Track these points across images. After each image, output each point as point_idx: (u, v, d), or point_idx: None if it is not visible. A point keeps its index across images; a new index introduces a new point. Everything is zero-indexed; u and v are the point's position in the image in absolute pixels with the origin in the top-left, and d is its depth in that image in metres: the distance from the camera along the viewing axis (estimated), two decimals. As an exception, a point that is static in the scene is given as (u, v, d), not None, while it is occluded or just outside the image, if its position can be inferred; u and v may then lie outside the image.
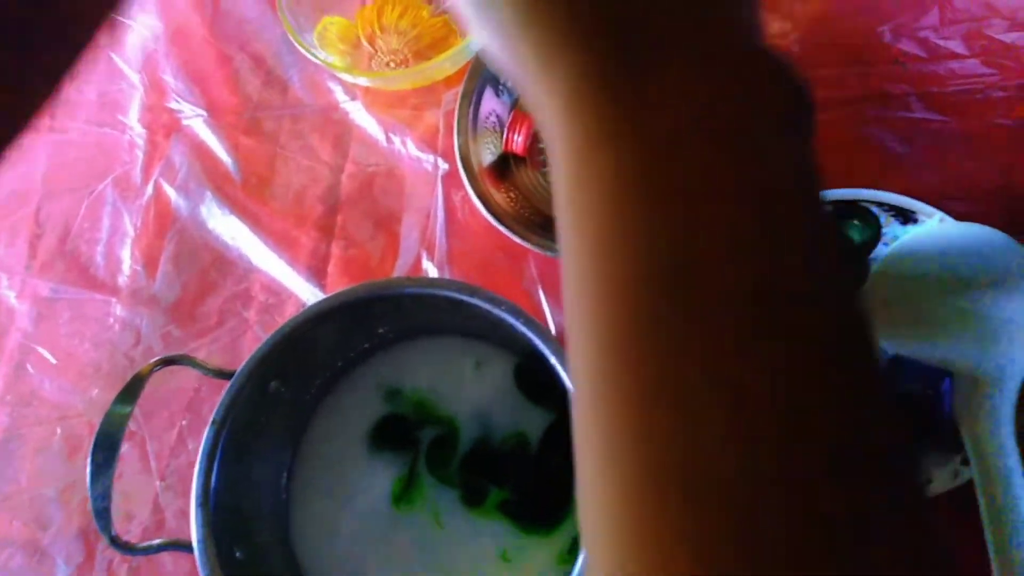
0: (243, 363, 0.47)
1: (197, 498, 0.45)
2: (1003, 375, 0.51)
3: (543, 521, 0.53)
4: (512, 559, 0.52)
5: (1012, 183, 0.58)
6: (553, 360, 0.45)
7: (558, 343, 0.45)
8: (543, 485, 0.54)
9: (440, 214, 0.62)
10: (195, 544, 0.43)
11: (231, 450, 0.46)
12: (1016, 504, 0.45)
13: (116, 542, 0.44)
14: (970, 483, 0.46)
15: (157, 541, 0.45)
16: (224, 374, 0.48)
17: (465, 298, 0.48)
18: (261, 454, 0.51)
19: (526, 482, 0.54)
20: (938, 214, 0.56)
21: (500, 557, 0.52)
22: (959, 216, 0.55)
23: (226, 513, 0.46)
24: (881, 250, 0.55)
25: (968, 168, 0.59)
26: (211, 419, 0.46)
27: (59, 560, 0.57)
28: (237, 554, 0.45)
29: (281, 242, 0.63)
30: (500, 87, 0.64)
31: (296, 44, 0.60)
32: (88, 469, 0.44)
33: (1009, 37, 0.62)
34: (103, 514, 0.44)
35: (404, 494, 0.53)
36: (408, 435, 0.54)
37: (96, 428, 0.56)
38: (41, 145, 0.70)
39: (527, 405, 0.55)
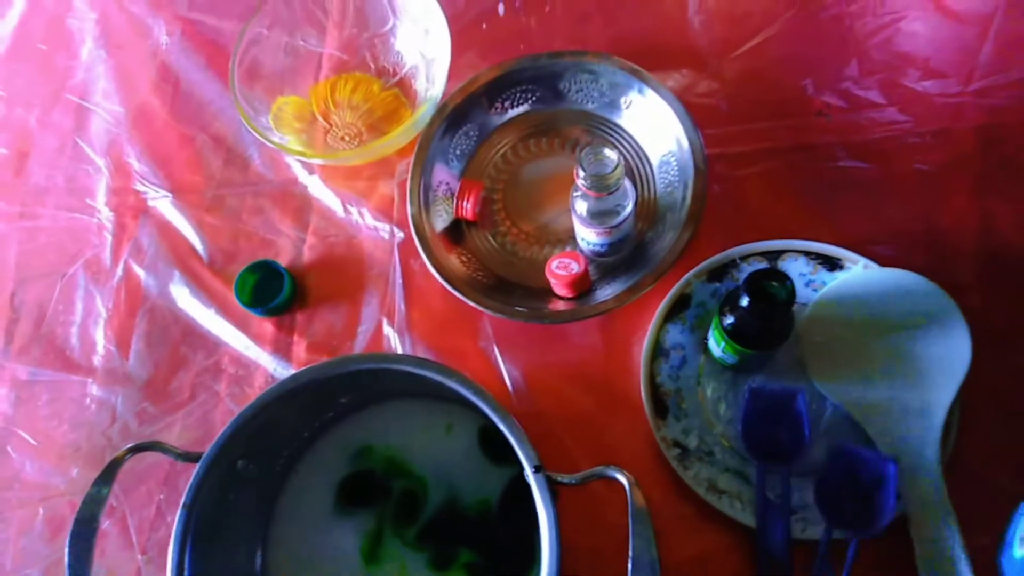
0: (209, 446, 0.50)
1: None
2: (931, 407, 0.54)
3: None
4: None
5: (932, 227, 0.62)
6: (502, 426, 0.48)
7: (506, 412, 0.48)
8: (506, 549, 0.56)
9: (398, 280, 0.66)
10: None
11: (204, 530, 0.49)
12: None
13: (98, 625, 0.46)
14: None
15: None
16: (191, 457, 0.50)
17: (417, 371, 0.51)
18: (234, 531, 0.53)
19: (491, 546, 0.57)
20: (862, 261, 0.60)
21: (466, 611, 0.55)
22: (885, 260, 0.59)
23: None
24: (811, 295, 0.59)
25: (891, 213, 0.63)
26: (181, 503, 0.49)
27: (47, 638, 0.59)
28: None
29: (247, 317, 0.66)
30: (450, 156, 0.67)
31: (251, 130, 0.63)
32: (67, 555, 0.47)
33: (922, 86, 0.66)
34: (84, 599, 0.46)
35: (373, 553, 0.56)
36: (376, 488, 0.57)
37: (76, 508, 0.59)
38: (12, 232, 0.73)
39: (490, 468, 0.58)
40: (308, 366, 0.52)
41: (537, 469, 0.46)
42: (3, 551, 0.62)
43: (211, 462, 0.50)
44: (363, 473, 0.58)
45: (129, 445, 0.51)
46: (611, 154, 0.53)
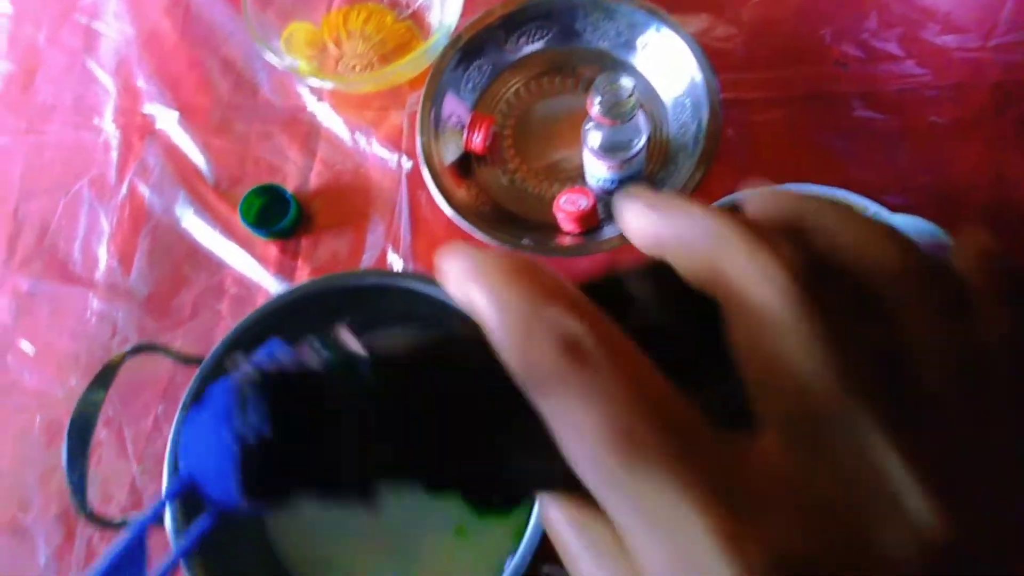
0: (212, 349, 0.50)
1: (169, 477, 0.48)
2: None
3: (501, 507, 0.56)
4: (468, 534, 0.55)
5: (945, 180, 0.62)
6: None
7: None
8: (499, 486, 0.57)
9: (404, 210, 0.65)
10: (167, 516, 0.46)
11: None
12: None
13: (92, 517, 0.46)
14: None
15: (132, 515, 0.48)
16: (193, 360, 0.50)
17: (423, 289, 0.50)
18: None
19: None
20: (874, 207, 0.60)
21: (456, 532, 0.55)
22: (895, 208, 0.59)
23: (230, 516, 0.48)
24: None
25: (905, 165, 0.63)
26: (180, 405, 0.49)
27: (40, 541, 0.59)
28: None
29: (252, 239, 0.66)
30: (462, 88, 0.67)
31: (263, 50, 0.63)
32: (64, 450, 0.47)
33: (941, 40, 0.65)
34: (79, 491, 0.46)
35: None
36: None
37: (74, 416, 0.59)
38: (18, 147, 0.72)
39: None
40: (314, 278, 0.52)
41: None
42: (0, 455, 0.62)
43: (211, 367, 0.49)
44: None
45: (128, 347, 0.51)
46: (627, 82, 0.53)
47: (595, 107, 0.53)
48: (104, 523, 0.47)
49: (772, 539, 0.16)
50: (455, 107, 0.66)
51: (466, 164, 0.66)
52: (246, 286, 0.65)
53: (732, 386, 0.19)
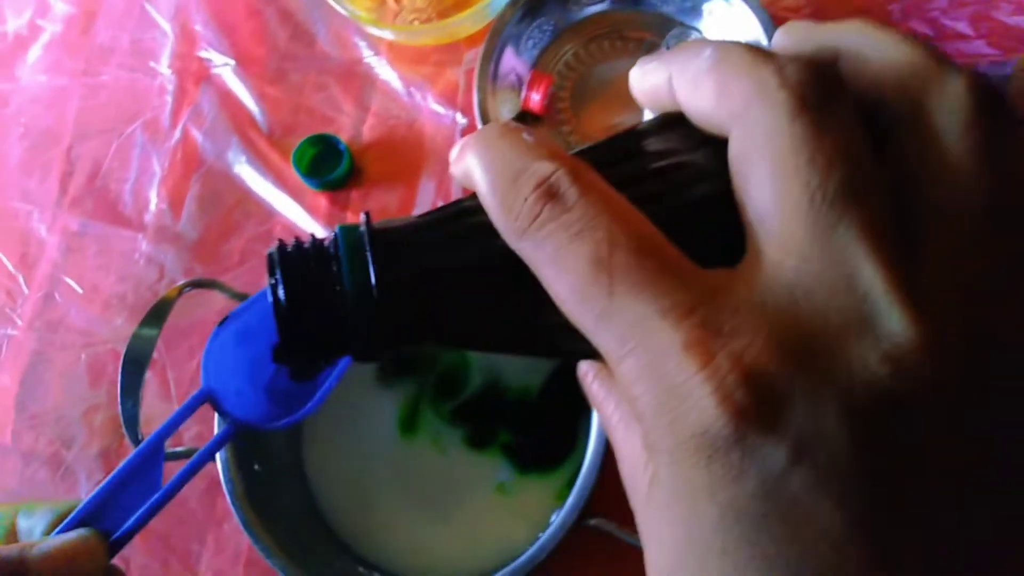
0: (262, 289, 0.50)
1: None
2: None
3: (543, 465, 0.56)
4: (510, 492, 0.55)
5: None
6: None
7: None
8: (544, 432, 0.56)
9: (457, 167, 0.65)
10: (218, 454, 0.46)
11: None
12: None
13: (142, 447, 0.46)
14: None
15: (182, 448, 0.48)
16: (247, 298, 0.50)
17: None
18: (279, 380, 0.53)
19: (529, 429, 0.56)
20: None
21: (498, 490, 0.55)
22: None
23: (246, 430, 0.48)
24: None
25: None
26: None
27: (81, 476, 0.60)
28: (256, 466, 0.47)
29: (302, 189, 0.65)
30: (521, 46, 0.66)
31: (326, -4, 0.62)
32: (119, 379, 0.47)
33: (1013, 20, 0.64)
34: (132, 421, 0.46)
35: (410, 422, 0.56)
36: (421, 359, 0.57)
37: (120, 355, 0.59)
38: (74, 88, 0.72)
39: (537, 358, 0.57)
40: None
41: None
42: (45, 390, 0.63)
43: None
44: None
45: (182, 282, 0.51)
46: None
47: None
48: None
49: (742, 355, 0.17)
50: (514, 65, 0.66)
51: (522, 123, 0.66)
52: (296, 235, 0.64)
53: (725, 231, 0.19)
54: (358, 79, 0.69)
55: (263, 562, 0.55)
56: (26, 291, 0.66)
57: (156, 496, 0.34)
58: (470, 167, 0.21)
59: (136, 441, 0.46)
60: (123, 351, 0.59)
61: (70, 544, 0.32)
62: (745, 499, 0.16)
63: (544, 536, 0.46)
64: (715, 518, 0.17)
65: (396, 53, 0.69)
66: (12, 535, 0.34)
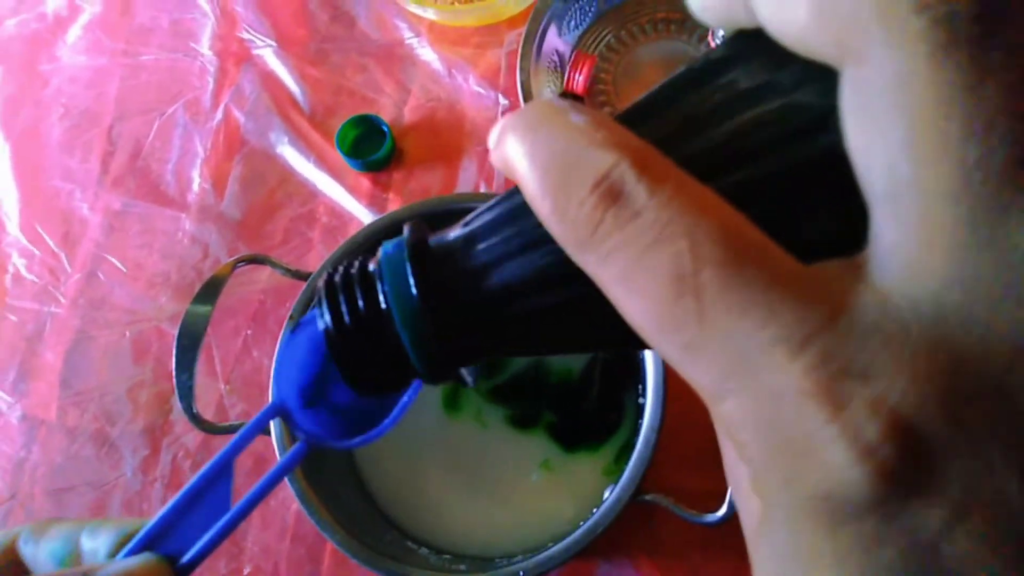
0: (319, 266, 0.50)
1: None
2: None
3: (589, 442, 0.56)
4: (555, 469, 0.55)
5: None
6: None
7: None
8: (589, 411, 0.56)
9: (499, 149, 0.65)
10: (272, 424, 0.46)
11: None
12: None
13: (197, 419, 0.46)
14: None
15: (235, 421, 0.48)
16: (300, 275, 0.50)
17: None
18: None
19: (573, 409, 0.56)
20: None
21: (543, 467, 0.55)
22: None
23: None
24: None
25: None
26: (289, 315, 0.49)
27: (126, 452, 0.60)
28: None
29: (344, 170, 0.66)
30: (563, 27, 0.66)
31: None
32: (175, 354, 0.47)
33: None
34: (187, 394, 0.46)
35: (453, 399, 0.56)
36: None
37: (164, 334, 0.59)
38: (115, 68, 0.73)
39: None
40: (417, 201, 0.52)
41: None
42: (89, 367, 0.63)
43: (317, 280, 0.49)
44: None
45: (234, 257, 0.51)
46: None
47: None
48: (207, 427, 0.47)
49: (883, 401, 0.13)
50: (556, 44, 0.65)
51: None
52: (338, 215, 0.64)
53: (844, 203, 0.15)
54: (399, 60, 0.69)
55: (309, 537, 0.56)
56: (69, 269, 0.66)
57: (225, 519, 0.32)
58: (511, 157, 0.17)
59: (191, 414, 0.46)
60: (167, 329, 0.59)
61: (135, 569, 0.30)
62: (882, 569, 0.13)
63: (599, 512, 0.46)
64: None
65: (437, 34, 0.69)
66: (76, 557, 0.33)
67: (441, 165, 0.65)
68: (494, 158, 0.18)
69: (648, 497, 0.46)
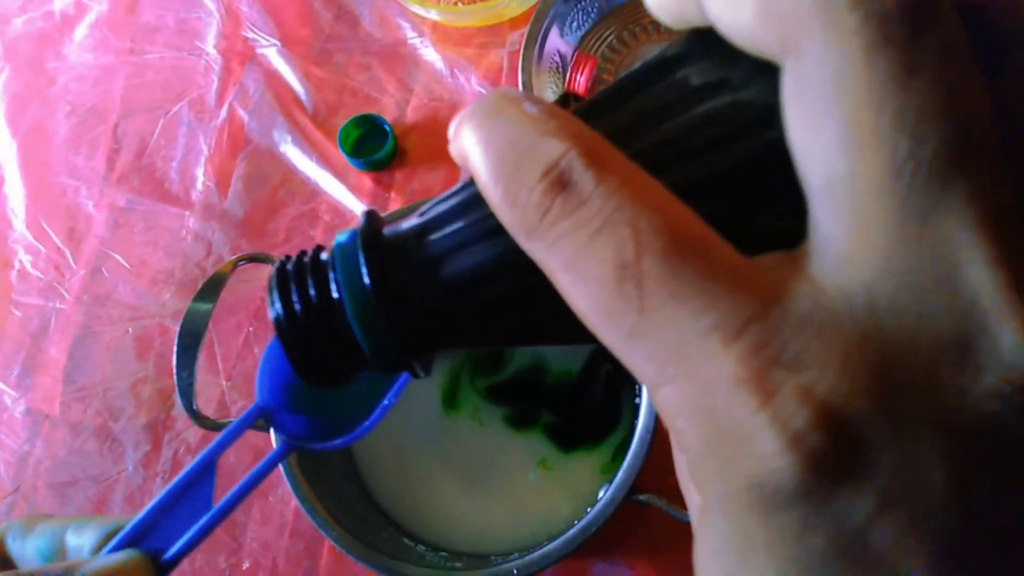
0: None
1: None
2: None
3: (586, 441, 0.56)
4: (553, 467, 0.55)
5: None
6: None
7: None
8: (587, 411, 0.57)
9: (500, 149, 0.65)
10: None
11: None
12: None
13: (197, 416, 0.47)
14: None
15: (235, 419, 0.48)
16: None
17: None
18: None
19: (571, 411, 0.57)
20: None
21: (541, 465, 0.55)
22: None
23: (301, 447, 0.49)
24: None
25: None
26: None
27: (128, 447, 0.61)
28: (306, 437, 0.48)
29: (347, 169, 0.66)
30: (566, 28, 0.66)
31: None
32: (175, 351, 0.47)
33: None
34: (188, 392, 0.47)
35: (451, 396, 0.57)
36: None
37: (167, 330, 0.60)
38: (121, 66, 0.73)
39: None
40: (415, 201, 0.52)
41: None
42: (93, 363, 0.63)
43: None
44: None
45: (236, 255, 0.51)
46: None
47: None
48: (208, 423, 0.48)
49: (812, 389, 0.13)
50: (558, 45, 0.66)
51: (565, 105, 0.66)
52: (340, 214, 0.65)
53: (784, 198, 0.15)
54: (402, 60, 0.69)
55: (308, 533, 0.56)
56: (74, 266, 0.67)
57: (207, 517, 0.33)
58: (466, 147, 0.17)
59: (191, 411, 0.47)
60: (170, 325, 0.60)
61: (118, 564, 0.31)
62: (812, 557, 0.14)
63: (593, 511, 0.46)
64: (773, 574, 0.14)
65: (440, 34, 0.69)
66: (62, 554, 0.33)
67: (443, 164, 0.66)
68: (452, 151, 0.18)
69: (642, 497, 0.46)
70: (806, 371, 0.13)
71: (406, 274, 0.18)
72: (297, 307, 0.19)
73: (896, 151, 0.13)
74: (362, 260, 0.18)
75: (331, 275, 0.19)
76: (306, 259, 0.20)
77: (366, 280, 0.18)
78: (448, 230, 0.18)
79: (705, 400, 0.14)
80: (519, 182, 0.15)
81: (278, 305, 0.19)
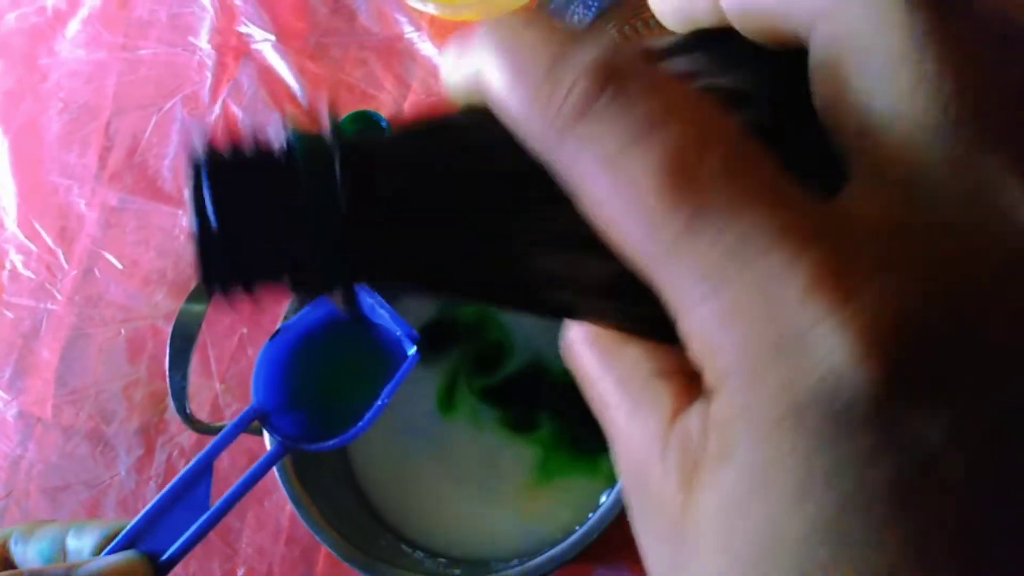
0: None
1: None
2: None
3: (586, 447, 0.55)
4: (551, 472, 0.54)
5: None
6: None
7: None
8: (588, 416, 0.55)
9: (499, 145, 0.64)
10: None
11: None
12: None
13: (190, 419, 0.46)
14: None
15: (228, 422, 0.47)
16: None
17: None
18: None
19: (571, 415, 0.56)
20: None
21: (539, 469, 0.54)
22: None
23: (295, 448, 0.48)
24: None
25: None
26: (283, 315, 0.48)
27: (121, 451, 0.60)
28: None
29: (343, 165, 0.65)
30: (566, 22, 0.65)
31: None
32: (168, 353, 0.46)
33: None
34: (180, 394, 0.46)
35: (448, 398, 0.55)
36: (462, 335, 0.56)
37: (160, 331, 0.59)
38: (113, 63, 0.72)
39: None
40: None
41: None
42: (85, 365, 0.62)
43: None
44: (449, 319, 0.57)
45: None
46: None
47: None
48: (200, 427, 0.47)
49: (894, 297, 0.12)
50: (558, 42, 0.65)
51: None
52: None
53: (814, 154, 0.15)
54: (399, 55, 0.68)
55: (303, 539, 0.55)
56: (66, 266, 0.66)
57: (204, 518, 0.34)
58: (483, 60, 0.15)
59: (184, 414, 0.46)
60: (163, 327, 0.59)
61: (117, 565, 0.32)
62: (879, 486, 0.12)
63: (595, 516, 0.46)
64: (833, 510, 0.12)
65: (438, 29, 0.68)
66: (63, 556, 0.35)
67: (441, 162, 0.65)
68: (453, 76, 0.17)
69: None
70: (886, 276, 0.13)
71: (380, 181, 0.16)
72: (229, 207, 0.16)
73: (939, 91, 0.13)
74: (337, 161, 0.16)
75: (281, 177, 0.16)
76: (248, 153, 0.17)
77: (339, 191, 0.16)
78: (431, 147, 0.17)
79: (762, 308, 0.13)
80: (554, 80, 0.14)
81: (207, 200, 0.16)
